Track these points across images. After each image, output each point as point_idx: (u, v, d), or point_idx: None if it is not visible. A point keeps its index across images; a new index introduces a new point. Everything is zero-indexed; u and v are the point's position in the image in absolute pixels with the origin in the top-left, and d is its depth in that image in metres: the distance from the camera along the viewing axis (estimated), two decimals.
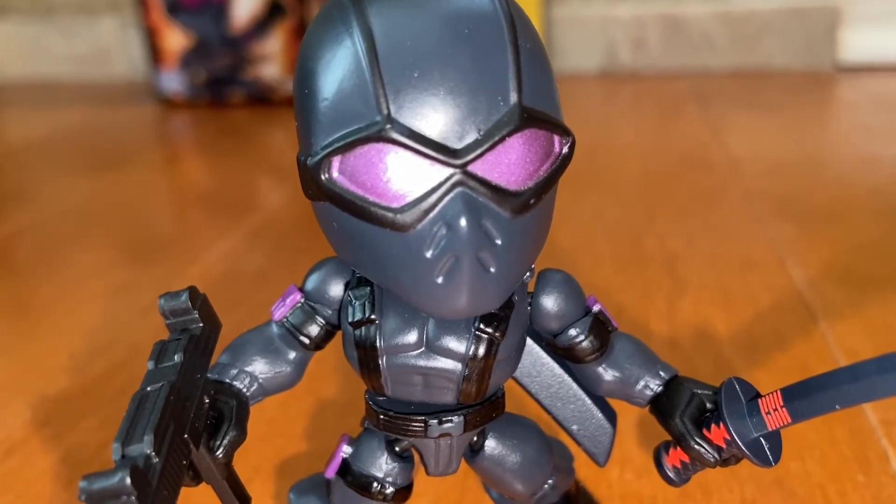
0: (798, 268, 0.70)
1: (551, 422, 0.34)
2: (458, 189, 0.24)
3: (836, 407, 0.26)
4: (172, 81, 1.51)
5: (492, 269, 0.25)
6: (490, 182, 0.25)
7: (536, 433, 0.33)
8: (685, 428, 0.30)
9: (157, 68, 1.50)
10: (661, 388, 0.31)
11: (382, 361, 0.28)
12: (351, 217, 0.25)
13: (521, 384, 0.34)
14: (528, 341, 0.33)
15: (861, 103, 1.30)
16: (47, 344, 0.63)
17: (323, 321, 0.31)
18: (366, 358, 0.29)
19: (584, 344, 0.31)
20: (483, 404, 0.30)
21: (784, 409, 0.28)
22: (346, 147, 0.24)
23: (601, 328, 0.31)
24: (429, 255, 0.25)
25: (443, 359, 0.28)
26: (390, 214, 0.25)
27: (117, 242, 0.86)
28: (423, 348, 0.28)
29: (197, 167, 1.22)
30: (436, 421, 0.30)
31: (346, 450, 0.32)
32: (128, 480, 0.22)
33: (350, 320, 0.29)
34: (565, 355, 0.32)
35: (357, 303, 0.29)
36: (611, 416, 0.35)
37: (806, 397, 0.27)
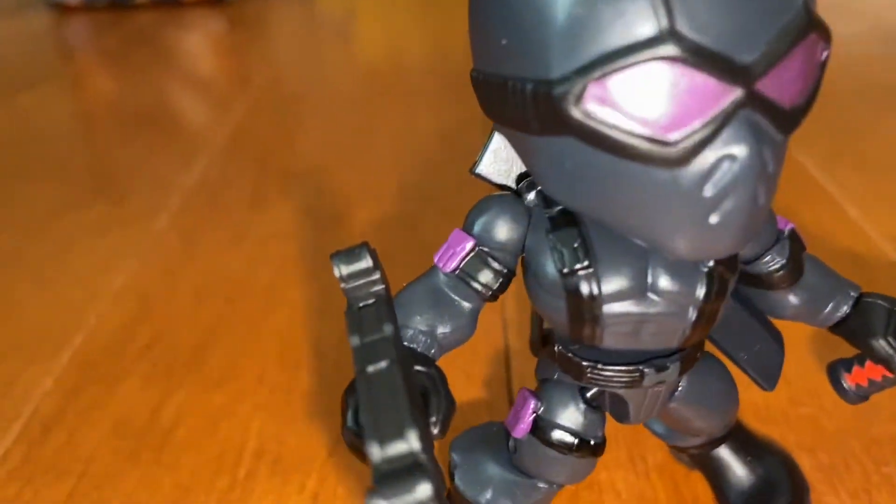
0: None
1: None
2: (744, 112, 0.21)
3: None
4: None
5: (761, 202, 0.22)
6: (774, 102, 0.21)
7: (719, 364, 0.31)
8: (892, 348, 0.29)
9: None
10: (850, 308, 0.30)
11: (601, 311, 0.25)
12: (603, 154, 0.21)
13: None
14: None
15: None
16: (39, 300, 0.55)
17: (500, 267, 0.27)
18: (579, 308, 0.25)
19: (783, 271, 0.28)
20: (694, 346, 0.28)
21: None
22: (614, 70, 0.20)
23: (798, 251, 0.29)
24: (707, 193, 0.21)
25: (670, 303, 0.25)
26: (662, 148, 0.21)
27: (67, 174, 0.77)
28: (646, 293, 0.25)
29: (106, 83, 1.09)
30: (652, 369, 0.27)
31: (535, 404, 0.29)
32: (429, 494, 0.18)
33: (562, 269, 0.25)
34: (755, 283, 0.29)
35: (565, 248, 0.25)
36: (778, 338, 0.33)
37: None
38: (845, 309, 0.30)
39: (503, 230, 0.26)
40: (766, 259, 0.28)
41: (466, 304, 0.27)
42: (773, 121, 0.21)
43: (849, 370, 0.31)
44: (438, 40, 1.22)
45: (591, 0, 0.20)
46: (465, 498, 0.30)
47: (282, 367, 0.47)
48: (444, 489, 0.21)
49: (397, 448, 0.20)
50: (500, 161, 0.28)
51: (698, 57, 0.20)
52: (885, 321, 0.29)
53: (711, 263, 0.25)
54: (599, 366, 0.27)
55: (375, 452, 0.20)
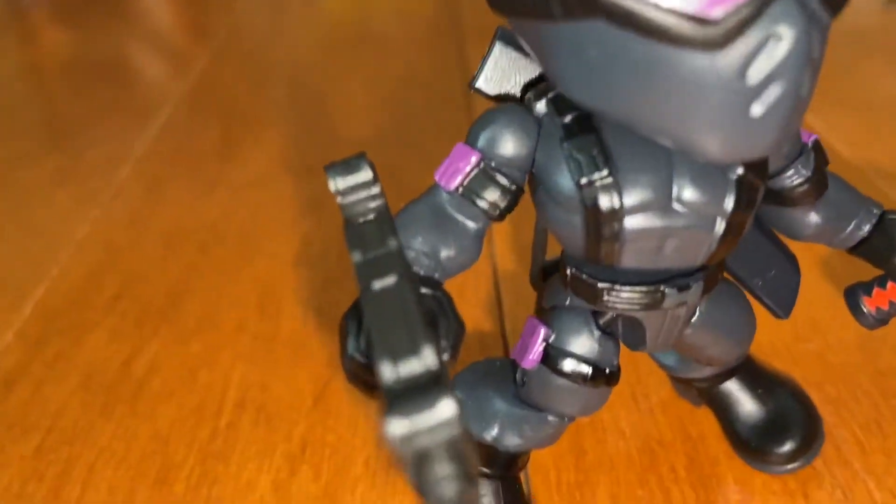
0: None
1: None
2: None
3: None
4: None
5: (804, 92, 0.20)
6: None
7: (736, 289, 0.29)
8: None
9: None
10: (872, 226, 0.28)
11: (622, 225, 0.23)
12: (635, 39, 0.19)
13: None
14: None
15: None
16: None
17: (508, 183, 0.24)
18: (597, 223, 0.23)
19: (807, 185, 0.27)
20: (718, 265, 0.26)
21: None
22: None
23: (821, 163, 0.27)
24: (751, 79, 0.19)
25: (698, 215, 0.23)
26: (703, 28, 0.18)
27: (20, 128, 0.73)
28: (672, 204, 0.23)
29: (60, 37, 1.04)
30: (675, 289, 0.25)
31: (545, 333, 0.26)
32: (454, 413, 0.16)
33: (578, 180, 0.23)
34: (778, 200, 0.27)
35: (583, 157, 0.23)
36: (794, 262, 0.31)
37: None
38: (867, 227, 0.28)
39: (511, 143, 0.24)
40: (790, 172, 0.26)
41: (471, 225, 0.25)
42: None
43: (868, 293, 0.29)
44: None
45: None
46: (478, 438, 0.28)
47: (262, 315, 0.44)
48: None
49: (412, 366, 0.18)
50: (501, 72, 0.25)
51: None
52: None
53: (741, 171, 0.23)
54: (617, 287, 0.25)
55: (387, 372, 0.18)
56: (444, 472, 0.16)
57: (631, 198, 0.23)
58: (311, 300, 0.45)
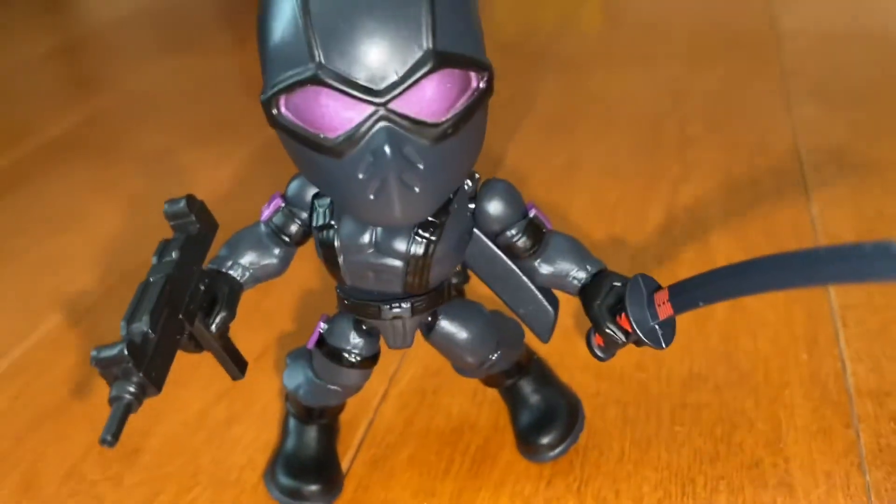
0: (809, 152, 0.72)
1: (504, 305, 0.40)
2: (381, 123, 0.29)
3: (700, 304, 0.31)
4: None
5: (416, 189, 0.31)
6: (409, 116, 0.29)
7: (481, 315, 0.39)
8: (601, 314, 0.36)
9: None
10: (587, 280, 0.37)
11: (341, 259, 0.35)
12: (301, 144, 0.31)
13: (478, 275, 0.40)
14: (483, 239, 0.38)
15: None
16: (111, 225, 0.71)
17: (300, 222, 0.37)
18: (328, 256, 0.35)
19: (520, 242, 0.36)
20: (429, 294, 0.36)
21: (668, 303, 0.33)
22: (288, 88, 0.30)
23: (535, 230, 0.36)
24: (361, 176, 0.30)
25: (389, 257, 0.34)
26: (327, 144, 0.30)
27: (181, 126, 0.94)
28: (373, 249, 0.34)
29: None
30: (388, 306, 0.36)
31: (322, 326, 0.39)
32: (125, 351, 0.30)
33: (314, 224, 0.35)
34: (506, 252, 0.37)
35: (320, 210, 0.35)
36: (553, 301, 0.40)
37: (682, 294, 0.32)
38: (581, 280, 0.37)
39: (304, 194, 0.37)
40: (508, 234, 0.36)
41: (277, 249, 0.37)
42: (414, 130, 0.30)
43: (595, 334, 0.38)
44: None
45: (280, 42, 0.30)
46: (287, 390, 0.41)
47: None
48: (166, 359, 0.32)
49: (136, 328, 0.31)
50: None
51: (341, 83, 0.29)
52: (605, 293, 0.36)
53: (419, 230, 0.34)
54: (352, 300, 0.37)
55: (122, 328, 0.31)
56: (114, 379, 0.30)
57: (345, 241, 0.34)
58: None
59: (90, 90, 1.11)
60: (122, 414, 0.30)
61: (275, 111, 0.30)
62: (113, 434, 0.29)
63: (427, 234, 0.34)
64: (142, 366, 0.30)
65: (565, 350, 0.50)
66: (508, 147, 0.79)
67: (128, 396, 0.30)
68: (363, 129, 0.29)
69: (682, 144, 0.76)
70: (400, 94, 0.29)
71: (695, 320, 0.52)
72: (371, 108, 0.29)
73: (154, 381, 0.31)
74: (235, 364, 0.37)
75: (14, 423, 0.49)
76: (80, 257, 0.66)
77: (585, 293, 0.37)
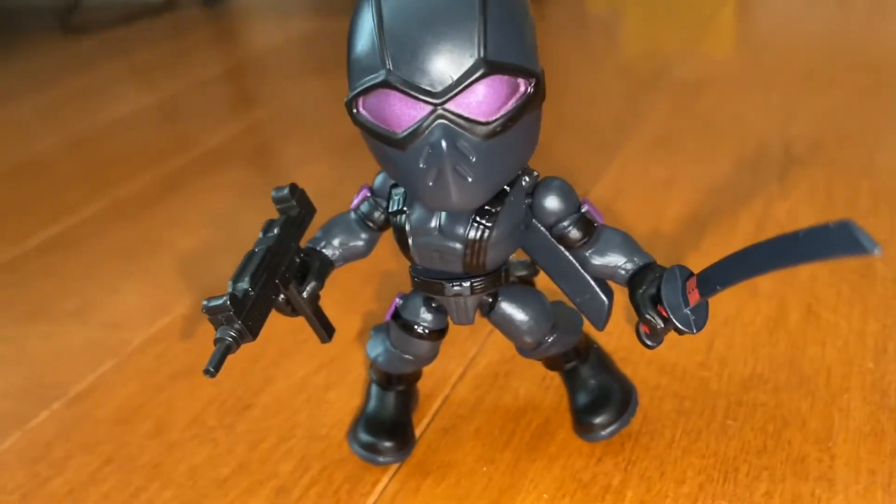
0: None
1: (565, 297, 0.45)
2: (439, 121, 0.35)
3: (717, 288, 0.35)
4: None
5: (469, 179, 0.36)
6: (463, 115, 0.35)
7: (538, 300, 0.44)
8: (642, 301, 0.40)
9: None
10: (634, 271, 0.41)
11: (410, 240, 0.40)
12: (375, 139, 0.37)
13: (540, 265, 0.45)
14: (542, 230, 0.43)
15: None
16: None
17: (382, 210, 0.43)
18: (400, 238, 0.41)
19: (571, 234, 0.41)
20: (487, 276, 0.41)
21: (696, 289, 0.36)
22: (364, 91, 0.36)
23: (587, 223, 0.41)
24: (422, 166, 0.36)
25: (451, 240, 0.40)
26: (395, 138, 0.36)
27: (319, 140, 1.04)
28: (438, 232, 0.40)
29: None
30: (450, 284, 0.41)
31: (398, 301, 0.45)
32: (228, 302, 0.37)
33: (390, 210, 0.41)
34: (560, 242, 0.42)
35: (396, 198, 0.41)
36: (607, 292, 0.44)
37: (705, 280, 0.36)
38: (628, 271, 0.41)
39: (386, 186, 0.43)
40: (562, 226, 0.41)
41: (364, 233, 0.44)
42: (467, 127, 0.35)
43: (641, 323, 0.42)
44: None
45: (360, 52, 0.36)
46: (370, 357, 0.48)
47: None
48: (261, 314, 0.39)
49: (239, 286, 0.38)
50: None
51: (406, 86, 0.35)
52: (648, 283, 0.40)
53: (476, 217, 0.39)
54: (421, 277, 0.42)
55: (229, 286, 0.39)
56: (219, 324, 0.37)
57: (415, 225, 0.40)
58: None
59: (248, 106, 1.25)
60: (222, 352, 0.37)
61: (355, 111, 0.37)
62: (214, 366, 0.36)
63: (483, 221, 0.39)
64: (241, 315, 0.37)
65: (632, 347, 0.53)
66: (609, 166, 0.83)
67: (228, 339, 0.37)
68: (423, 125, 0.35)
69: (784, 164, 0.77)
70: (454, 95, 0.34)
71: (766, 325, 0.53)
72: (430, 108, 0.35)
73: (251, 329, 0.38)
74: (324, 328, 0.44)
75: (155, 377, 0.58)
76: (220, 250, 0.76)
77: (632, 283, 0.41)
